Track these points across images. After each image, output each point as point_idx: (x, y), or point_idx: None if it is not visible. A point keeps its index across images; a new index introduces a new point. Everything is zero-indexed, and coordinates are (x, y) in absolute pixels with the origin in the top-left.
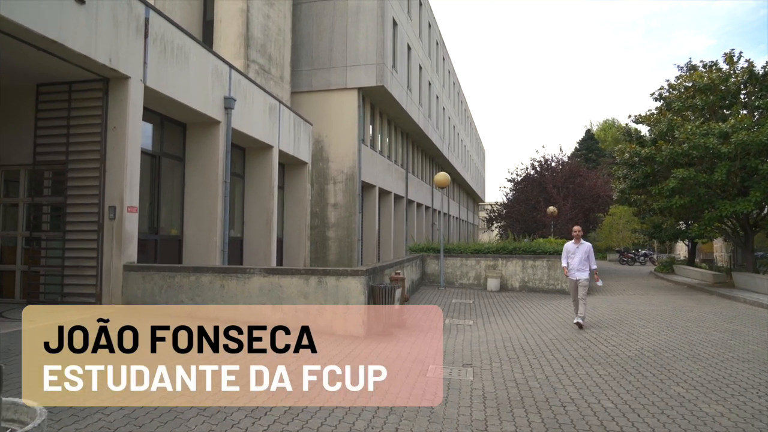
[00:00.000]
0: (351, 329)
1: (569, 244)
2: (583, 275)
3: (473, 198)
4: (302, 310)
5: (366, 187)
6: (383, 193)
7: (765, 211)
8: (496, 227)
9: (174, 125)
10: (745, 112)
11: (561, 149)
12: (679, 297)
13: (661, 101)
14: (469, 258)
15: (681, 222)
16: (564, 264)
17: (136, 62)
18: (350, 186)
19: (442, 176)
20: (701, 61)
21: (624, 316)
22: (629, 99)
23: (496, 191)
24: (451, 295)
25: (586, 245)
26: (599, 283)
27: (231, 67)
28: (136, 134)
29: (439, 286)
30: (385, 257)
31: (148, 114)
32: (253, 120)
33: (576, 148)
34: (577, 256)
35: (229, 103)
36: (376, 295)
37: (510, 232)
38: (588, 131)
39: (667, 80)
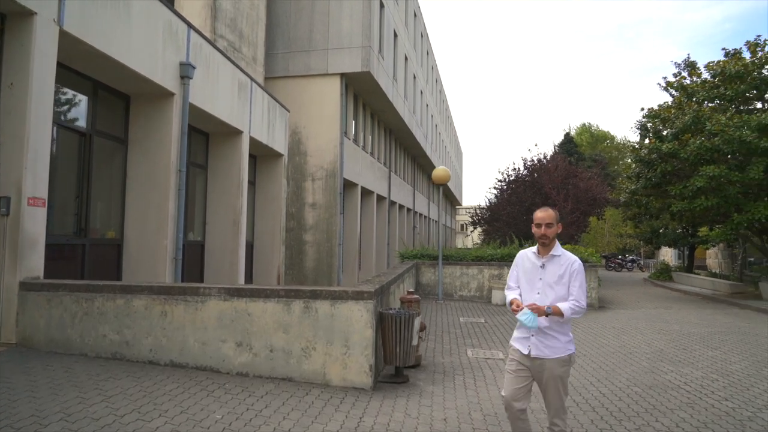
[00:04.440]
0: (353, 377)
1: (526, 255)
2: (554, 343)
3: (451, 201)
4: (281, 350)
5: (348, 186)
6: (366, 193)
7: None
8: (480, 230)
9: (113, 96)
10: None
11: (554, 148)
12: (709, 311)
13: (678, 91)
14: (470, 266)
15: (684, 226)
16: (509, 296)
17: None
18: (331, 184)
19: (442, 171)
20: (723, 49)
21: (688, 343)
22: (605, 104)
23: (473, 195)
24: (454, 311)
25: (567, 261)
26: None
27: (190, 26)
28: (46, 97)
29: (437, 299)
30: (367, 264)
31: (76, 78)
32: (217, 97)
33: (555, 150)
34: (541, 281)
35: (186, 71)
36: (386, 327)
37: (507, 237)
38: (567, 134)
39: (676, 73)
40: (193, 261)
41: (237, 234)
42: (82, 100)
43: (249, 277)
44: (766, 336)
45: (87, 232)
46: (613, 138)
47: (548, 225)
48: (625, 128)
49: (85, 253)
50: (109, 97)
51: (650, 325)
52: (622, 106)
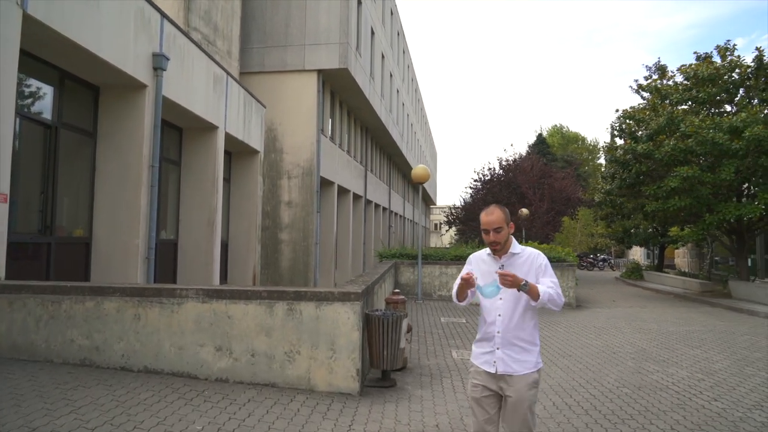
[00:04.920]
0: (339, 382)
1: (480, 258)
2: (524, 356)
3: (426, 201)
4: (263, 355)
5: (324, 184)
6: (342, 192)
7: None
8: (455, 230)
9: (81, 87)
10: (756, 102)
11: (527, 149)
12: (683, 310)
13: (651, 93)
14: (449, 266)
15: (655, 226)
16: (456, 298)
17: None
18: (307, 182)
19: (422, 169)
20: (695, 53)
21: (669, 342)
22: (575, 106)
23: (446, 195)
24: (434, 310)
25: (530, 257)
26: None
27: (163, 15)
28: (8, 86)
29: (417, 299)
30: (343, 264)
31: (41, 67)
32: (192, 91)
33: (528, 151)
34: (501, 291)
35: (159, 62)
36: (372, 329)
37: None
38: (539, 135)
39: (647, 75)
40: (165, 261)
41: (212, 233)
42: (48, 90)
43: (224, 278)
44: (742, 334)
45: (53, 230)
46: (584, 139)
47: (497, 230)
48: (595, 130)
49: (50, 253)
50: (77, 88)
51: (629, 324)
52: (591, 108)
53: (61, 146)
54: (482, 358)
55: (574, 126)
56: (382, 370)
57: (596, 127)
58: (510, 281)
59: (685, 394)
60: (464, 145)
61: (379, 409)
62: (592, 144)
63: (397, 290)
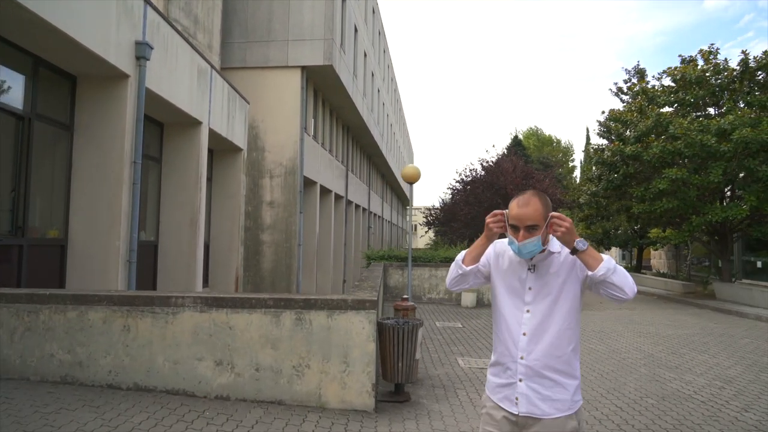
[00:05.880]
0: (353, 398)
1: (504, 250)
2: (557, 392)
3: (403, 201)
4: (268, 369)
5: (306, 184)
6: (324, 192)
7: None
8: (433, 231)
9: (57, 76)
10: (742, 105)
11: (504, 150)
12: (671, 312)
13: (637, 96)
14: (439, 268)
15: (635, 228)
16: (462, 262)
17: None
18: (290, 181)
19: (412, 169)
20: (680, 56)
21: (672, 346)
22: (549, 109)
23: (423, 195)
24: (428, 314)
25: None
26: None
27: (147, 1)
28: None
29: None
30: (324, 265)
31: (12, 52)
32: (176, 84)
33: (504, 153)
34: (531, 291)
35: (143, 51)
36: (386, 339)
37: (467, 238)
38: (515, 137)
39: (627, 79)
40: (145, 264)
41: (195, 234)
42: (20, 78)
43: (205, 281)
44: (742, 337)
45: (25, 231)
46: (559, 141)
47: (531, 228)
48: (568, 132)
49: (22, 256)
50: (53, 77)
51: (626, 327)
52: (564, 111)
53: (35, 139)
54: (499, 391)
55: (548, 128)
56: (396, 383)
57: (569, 129)
58: (565, 229)
59: (711, 404)
60: (439, 146)
61: (399, 428)
62: (567, 146)
63: (405, 296)
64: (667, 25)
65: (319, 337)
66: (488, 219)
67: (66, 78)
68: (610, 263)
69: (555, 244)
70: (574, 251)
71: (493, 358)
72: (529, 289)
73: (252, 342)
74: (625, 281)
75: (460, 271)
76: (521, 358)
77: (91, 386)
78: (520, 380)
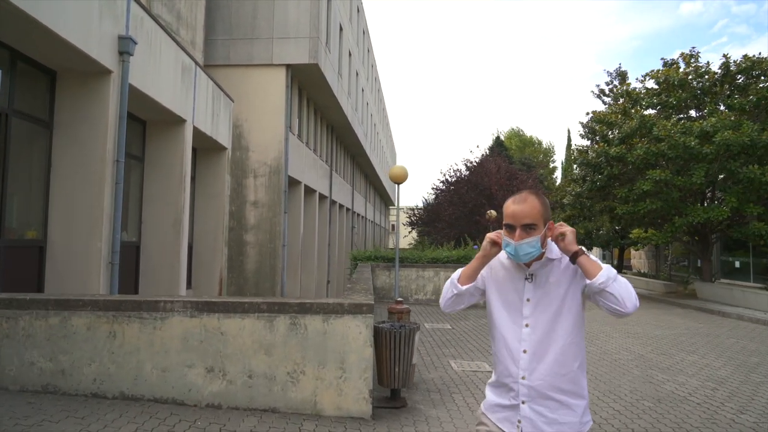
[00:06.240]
0: (349, 405)
1: (499, 261)
2: (563, 414)
3: (385, 201)
4: (262, 376)
5: (291, 184)
6: (308, 192)
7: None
8: (416, 231)
9: (35, 70)
10: (723, 108)
11: (486, 151)
12: (656, 312)
13: (621, 98)
14: (426, 269)
15: (618, 228)
16: (458, 281)
17: None
18: (275, 181)
19: (400, 169)
20: (662, 59)
21: (661, 347)
22: (529, 110)
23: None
24: (416, 315)
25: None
26: None
27: None
28: None
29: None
30: (308, 265)
31: None
32: (160, 80)
33: (486, 153)
34: (530, 303)
35: (126, 46)
36: (382, 344)
37: (452, 239)
38: (497, 138)
39: (608, 81)
40: (127, 265)
41: (178, 235)
42: None
43: (188, 283)
44: (727, 337)
45: (1, 231)
46: (540, 142)
47: (528, 227)
48: (548, 133)
49: None
50: (32, 72)
51: (614, 327)
52: (544, 113)
53: (12, 136)
54: (499, 411)
55: (529, 129)
56: (392, 389)
57: (549, 130)
58: (565, 239)
59: (707, 406)
60: (422, 147)
61: None
62: (548, 147)
63: (400, 299)
64: (644, 29)
65: (315, 342)
66: (490, 238)
67: (45, 73)
68: (610, 272)
69: (554, 251)
70: (574, 257)
71: (492, 377)
72: (528, 300)
73: (245, 348)
74: (627, 293)
75: (456, 291)
76: (523, 378)
77: (74, 396)
78: (523, 402)
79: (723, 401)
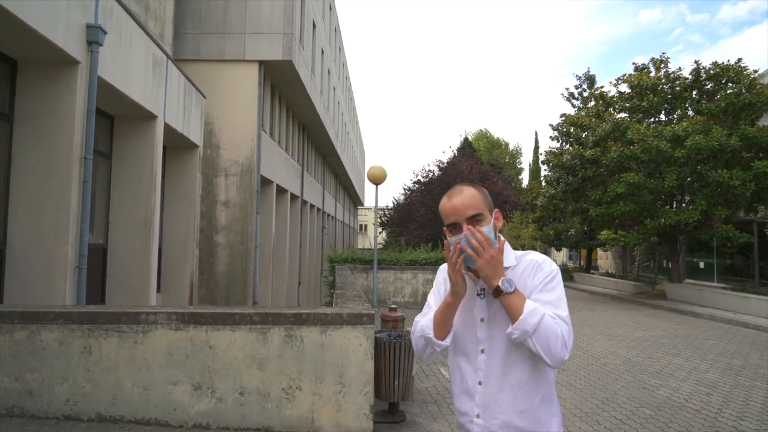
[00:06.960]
0: (349, 422)
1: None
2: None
3: (354, 201)
4: (255, 392)
5: (263, 183)
6: (280, 192)
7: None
8: (386, 232)
9: None
10: (691, 113)
11: (453, 153)
12: (629, 313)
13: (594, 101)
14: (404, 271)
15: (588, 229)
16: (421, 321)
17: None
18: (247, 180)
19: (378, 169)
20: (633, 63)
21: (646, 349)
22: (496, 113)
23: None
24: None
25: (530, 267)
26: None
27: None
28: None
29: (372, 306)
30: (279, 267)
31: None
32: (130, 73)
33: (454, 154)
34: (484, 323)
35: (95, 36)
36: (381, 355)
37: (427, 240)
38: (465, 139)
39: (578, 84)
40: (93, 269)
41: (149, 236)
42: None
43: (157, 287)
44: (706, 339)
45: None
46: (507, 144)
47: (474, 218)
48: (515, 135)
49: None
50: None
51: (594, 329)
52: (511, 114)
53: None
54: (466, 407)
55: (495, 131)
56: (390, 402)
57: (515, 132)
58: (487, 257)
59: (706, 413)
60: (390, 147)
61: None
62: (516, 149)
63: (393, 306)
64: (606, 34)
65: (312, 355)
66: (448, 269)
67: (5, 62)
68: (527, 324)
69: (509, 257)
70: (497, 292)
71: (454, 399)
72: (482, 321)
73: (236, 363)
74: (547, 345)
75: (437, 349)
76: (477, 416)
77: (44, 418)
78: (477, 417)
79: (720, 407)
